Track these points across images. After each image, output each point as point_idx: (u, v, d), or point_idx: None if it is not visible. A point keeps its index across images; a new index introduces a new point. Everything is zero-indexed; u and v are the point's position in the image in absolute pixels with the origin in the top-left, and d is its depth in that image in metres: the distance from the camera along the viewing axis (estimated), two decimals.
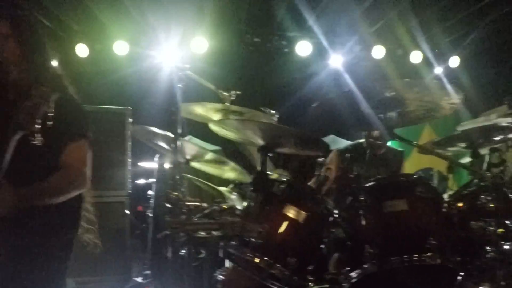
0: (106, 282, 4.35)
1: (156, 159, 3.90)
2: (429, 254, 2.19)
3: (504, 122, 2.59)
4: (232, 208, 2.46)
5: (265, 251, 2.36)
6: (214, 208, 2.50)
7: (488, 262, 2.30)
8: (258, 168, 2.41)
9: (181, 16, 5.05)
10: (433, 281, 2.45)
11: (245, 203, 2.81)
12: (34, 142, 1.91)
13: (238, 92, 2.94)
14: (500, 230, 2.29)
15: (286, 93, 5.63)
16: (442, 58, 6.68)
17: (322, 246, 2.51)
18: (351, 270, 2.32)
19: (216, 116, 3.11)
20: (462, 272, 2.33)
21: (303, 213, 2.39)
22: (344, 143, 4.50)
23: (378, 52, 6.04)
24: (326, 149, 2.75)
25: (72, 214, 2.13)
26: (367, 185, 2.43)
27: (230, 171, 3.12)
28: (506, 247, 2.29)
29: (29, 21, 2.16)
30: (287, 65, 5.57)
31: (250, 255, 2.37)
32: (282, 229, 2.40)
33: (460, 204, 2.42)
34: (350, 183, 2.44)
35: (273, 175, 2.53)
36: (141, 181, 4.70)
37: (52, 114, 1.96)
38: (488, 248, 2.29)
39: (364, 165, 3.09)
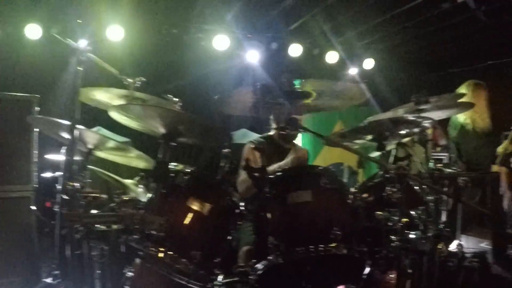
0: (12, 285, 4.04)
1: (63, 150, 3.65)
2: (335, 244, 2.17)
3: (410, 116, 2.63)
4: (133, 200, 2.32)
5: (169, 245, 2.27)
6: (115, 200, 2.36)
7: (394, 251, 2.33)
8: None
9: (98, 3, 4.82)
10: (342, 271, 2.46)
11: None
12: None
13: (143, 79, 2.81)
14: (404, 220, 2.32)
15: (199, 86, 5.56)
16: (357, 59, 6.89)
17: (229, 238, 2.45)
18: (257, 262, 2.27)
19: (118, 102, 2.94)
20: (369, 261, 2.34)
21: (208, 205, 2.31)
22: (255, 136, 4.47)
23: (295, 50, 6.09)
24: (229, 140, 2.69)
25: None
26: (271, 176, 2.37)
27: (136, 160, 2.97)
28: (411, 236, 2.33)
29: None
30: (203, 58, 5.48)
31: (153, 249, 2.26)
32: (186, 221, 2.31)
33: (366, 195, 2.43)
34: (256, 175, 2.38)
35: (178, 166, 2.41)
36: (48, 175, 4.40)
37: None
38: (393, 237, 2.31)
39: (272, 158, 3.05)
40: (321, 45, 6.41)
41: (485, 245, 5.66)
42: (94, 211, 2.45)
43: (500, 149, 5.36)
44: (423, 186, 2.60)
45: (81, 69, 2.44)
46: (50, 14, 5.09)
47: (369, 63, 6.94)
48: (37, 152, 4.08)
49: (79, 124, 2.41)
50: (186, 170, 2.40)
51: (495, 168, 5.17)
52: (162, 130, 2.31)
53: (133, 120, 2.42)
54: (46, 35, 5.12)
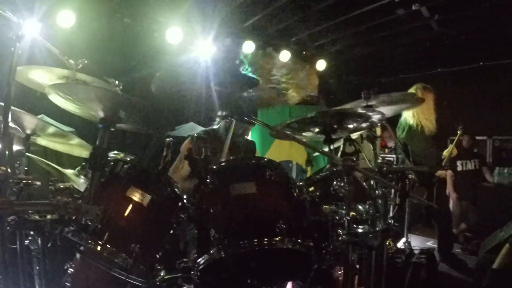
0: None
1: None
2: (279, 238, 2.09)
3: (359, 109, 2.62)
4: (70, 188, 2.17)
5: (107, 237, 2.14)
6: (49, 188, 2.20)
7: (341, 246, 2.28)
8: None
9: None
10: (288, 267, 2.40)
11: None
12: None
13: (86, 61, 2.67)
14: (352, 213, 2.28)
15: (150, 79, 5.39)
16: (310, 60, 6.99)
17: (171, 231, 2.34)
18: (199, 257, 2.18)
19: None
20: (315, 256, 2.28)
21: (148, 196, 2.20)
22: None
23: (248, 47, 6.03)
24: (172, 129, 2.59)
25: None
26: (214, 167, 2.28)
27: (78, 148, 2.81)
28: (358, 230, 2.29)
29: None
30: (156, 50, 5.35)
31: (91, 242, 2.12)
32: (124, 213, 2.18)
33: (312, 189, 2.38)
34: (198, 166, 2.29)
35: (119, 154, 2.28)
36: None
37: None
38: (340, 231, 2.27)
39: (217, 151, 2.97)
40: (275, 44, 6.42)
41: (431, 243, 5.82)
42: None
43: (445, 152, 5.53)
44: (371, 180, 2.58)
45: (18, 44, 2.24)
46: None
47: (321, 64, 7.02)
48: None
49: (14, 105, 2.23)
50: (126, 158, 2.27)
51: (440, 173, 5.33)
52: (101, 114, 2.18)
53: (72, 103, 2.27)
54: None
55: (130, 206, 2.19)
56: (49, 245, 2.37)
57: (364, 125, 2.68)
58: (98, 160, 2.09)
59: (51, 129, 2.61)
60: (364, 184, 2.69)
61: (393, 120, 3.76)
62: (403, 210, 4.64)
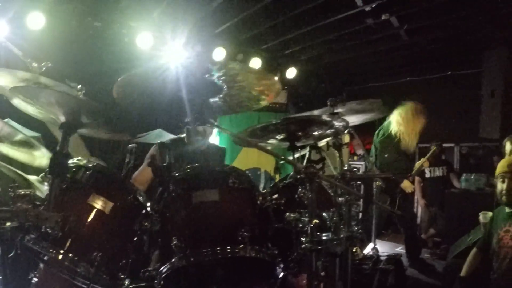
0: None
1: None
2: (242, 246, 2.08)
3: (324, 116, 2.64)
4: (30, 195, 2.13)
5: (68, 246, 2.10)
6: (9, 194, 2.15)
7: (305, 253, 2.28)
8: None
9: None
10: (253, 275, 2.39)
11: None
12: None
13: (49, 64, 2.63)
14: (315, 221, 2.29)
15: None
16: (280, 67, 7.05)
17: (135, 239, 2.31)
18: (162, 265, 2.15)
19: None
20: (279, 264, 2.27)
21: (110, 204, 2.16)
22: (169, 137, 4.35)
23: (219, 54, 6.04)
24: (134, 135, 2.57)
25: None
26: (176, 174, 2.26)
27: (41, 158, 2.76)
28: (322, 237, 2.29)
29: None
30: (126, 55, 5.30)
31: (52, 251, 2.08)
32: (86, 220, 2.14)
33: (276, 196, 2.38)
34: (161, 173, 2.26)
35: (81, 160, 2.25)
36: None
37: None
38: (303, 239, 2.27)
39: (183, 159, 2.95)
40: (245, 51, 6.44)
41: (400, 249, 5.91)
42: None
43: (417, 164, 5.64)
44: (335, 188, 2.60)
45: None
46: None
47: (291, 72, 7.07)
48: None
49: None
50: (88, 165, 2.24)
51: (404, 185, 5.39)
52: (62, 118, 2.14)
53: (34, 107, 2.23)
54: None
55: (92, 214, 2.15)
56: (11, 254, 2.32)
57: (329, 132, 2.70)
58: (59, 166, 2.05)
59: (18, 137, 2.55)
60: (330, 191, 2.70)
61: (364, 127, 3.79)
62: (370, 216, 4.70)
